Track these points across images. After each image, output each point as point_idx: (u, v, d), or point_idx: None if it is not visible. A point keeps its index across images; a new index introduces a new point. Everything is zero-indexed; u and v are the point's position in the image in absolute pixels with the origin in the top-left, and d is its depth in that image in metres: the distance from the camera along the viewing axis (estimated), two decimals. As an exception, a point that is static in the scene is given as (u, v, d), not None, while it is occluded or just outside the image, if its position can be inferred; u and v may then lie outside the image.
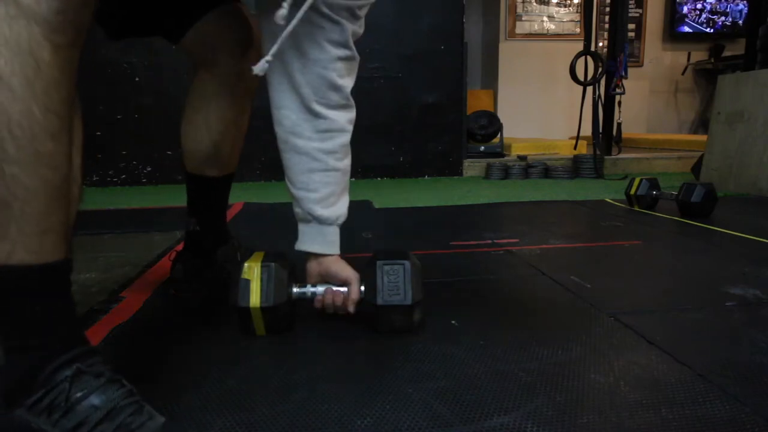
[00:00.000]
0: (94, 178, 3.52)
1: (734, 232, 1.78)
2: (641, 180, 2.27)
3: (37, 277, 0.61)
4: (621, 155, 4.01)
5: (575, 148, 4.16)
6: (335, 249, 1.00)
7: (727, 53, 5.98)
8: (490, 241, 1.71)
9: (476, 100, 5.33)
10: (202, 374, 0.82)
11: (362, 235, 1.82)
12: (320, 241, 0.99)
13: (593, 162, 3.60)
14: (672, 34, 6.08)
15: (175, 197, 2.96)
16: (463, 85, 3.79)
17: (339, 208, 0.99)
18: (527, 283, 1.28)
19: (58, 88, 0.58)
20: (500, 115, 4.52)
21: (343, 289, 0.97)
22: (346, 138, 0.98)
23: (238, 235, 1.33)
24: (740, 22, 6.01)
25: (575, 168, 3.64)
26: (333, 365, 0.86)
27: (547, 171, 3.64)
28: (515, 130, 5.35)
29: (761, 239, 1.68)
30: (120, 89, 3.45)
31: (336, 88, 0.93)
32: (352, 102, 0.98)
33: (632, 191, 2.29)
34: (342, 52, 0.92)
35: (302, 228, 1.00)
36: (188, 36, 1.03)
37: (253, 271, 0.92)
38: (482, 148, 4.09)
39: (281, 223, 2.14)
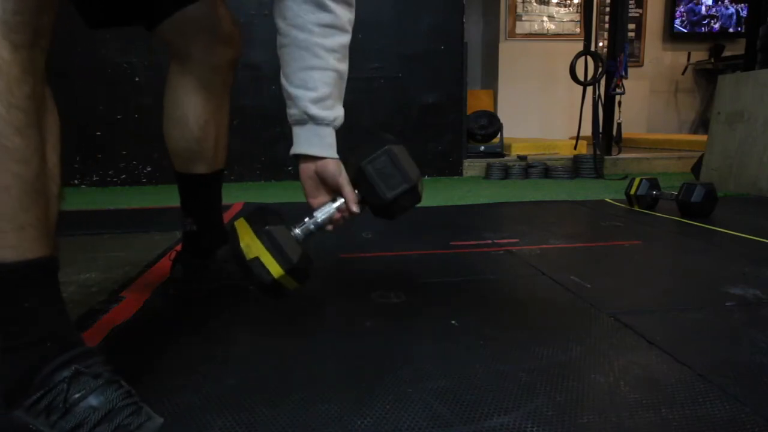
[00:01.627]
0: (94, 178, 3.52)
1: (734, 232, 1.78)
2: (641, 180, 2.27)
3: (20, 274, 0.61)
4: (621, 155, 4.01)
5: (575, 148, 4.16)
6: (332, 152, 0.95)
7: (727, 53, 5.98)
8: (490, 241, 1.71)
9: (476, 100, 5.33)
10: (202, 374, 0.82)
11: (362, 235, 1.82)
12: (317, 143, 0.93)
13: (593, 162, 3.60)
14: (672, 34, 6.08)
15: (175, 197, 2.94)
16: (463, 85, 3.79)
17: (336, 111, 0.94)
18: (527, 283, 1.28)
19: (20, 85, 0.59)
20: (500, 115, 4.52)
21: (339, 201, 0.93)
22: (347, 39, 0.94)
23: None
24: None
25: (575, 168, 3.64)
26: (333, 365, 0.86)
27: (547, 171, 3.64)
28: (515, 130, 5.34)
29: (761, 239, 1.68)
30: (120, 89, 3.45)
31: None
32: (354, 1, 0.94)
33: (632, 191, 2.29)
34: None
35: (297, 131, 0.94)
36: (164, 25, 1.03)
37: (254, 246, 0.86)
38: (482, 148, 4.09)
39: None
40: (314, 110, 0.91)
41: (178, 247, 1.24)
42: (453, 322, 1.02)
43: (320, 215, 0.93)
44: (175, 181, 1.17)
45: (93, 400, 0.60)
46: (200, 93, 1.08)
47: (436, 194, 2.91)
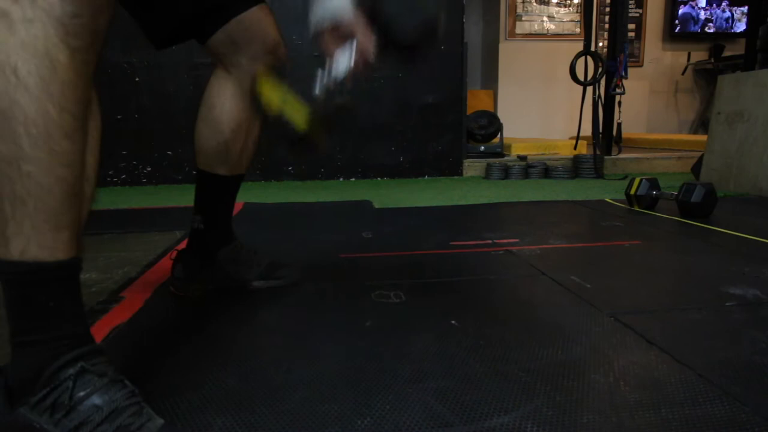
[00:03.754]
0: (94, 178, 3.51)
1: (734, 232, 1.78)
2: (641, 180, 2.27)
3: (50, 274, 0.62)
4: (621, 155, 4.01)
5: (575, 148, 4.16)
6: None
7: (727, 53, 5.98)
8: (490, 241, 1.71)
9: (476, 100, 5.33)
10: (202, 374, 0.82)
11: (362, 235, 1.83)
12: None
13: (593, 162, 3.60)
14: (672, 34, 6.08)
15: (175, 197, 2.95)
16: (463, 85, 3.79)
17: None
18: (527, 283, 1.28)
19: (73, 89, 0.60)
20: (500, 115, 4.52)
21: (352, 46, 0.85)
22: None
23: (239, 235, 1.33)
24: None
25: (575, 168, 3.64)
26: (333, 365, 0.86)
27: (547, 171, 3.64)
28: (515, 130, 5.35)
29: (761, 239, 1.68)
30: (120, 89, 3.45)
31: None
32: None
33: (632, 191, 2.29)
34: None
35: None
36: (218, 34, 1.05)
37: (277, 96, 0.79)
38: (482, 148, 4.09)
39: (281, 223, 2.14)
40: None
41: (179, 247, 1.24)
42: (453, 322, 1.02)
43: (336, 66, 0.85)
44: (195, 177, 1.18)
45: (97, 399, 0.60)
46: (238, 98, 1.10)
47: (436, 194, 2.91)
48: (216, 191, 1.19)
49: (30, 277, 0.61)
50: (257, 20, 1.06)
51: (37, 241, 0.60)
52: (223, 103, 1.11)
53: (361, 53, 0.85)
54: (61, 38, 0.58)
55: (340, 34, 0.86)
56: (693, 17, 6.03)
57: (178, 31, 1.05)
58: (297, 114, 0.80)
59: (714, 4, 6.04)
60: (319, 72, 0.85)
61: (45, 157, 0.59)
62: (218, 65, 1.11)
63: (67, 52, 0.59)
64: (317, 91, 0.84)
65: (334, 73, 0.85)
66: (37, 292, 0.61)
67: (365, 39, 0.84)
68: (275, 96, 0.81)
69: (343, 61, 0.85)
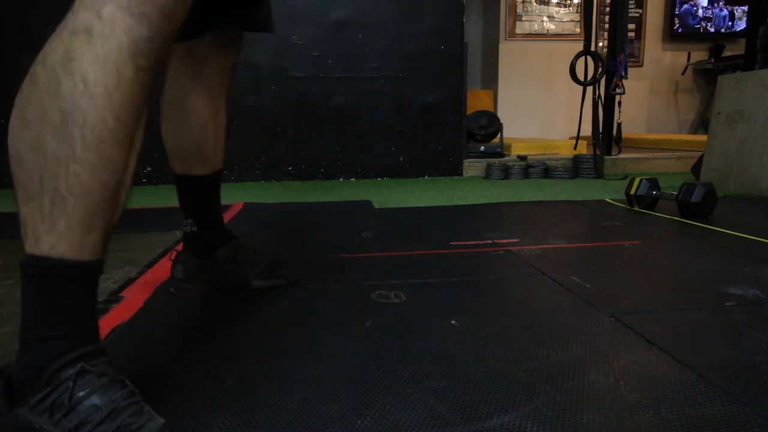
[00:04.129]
0: (94, 178, 3.51)
1: (734, 232, 1.78)
2: (641, 180, 2.27)
3: (74, 273, 0.63)
4: (621, 155, 4.01)
5: (575, 148, 4.16)
6: None
7: (727, 53, 5.98)
8: (490, 241, 1.71)
9: (476, 100, 5.33)
10: (202, 374, 0.82)
11: (362, 235, 1.83)
12: None
13: (593, 162, 3.60)
14: (672, 34, 6.08)
15: (175, 197, 2.95)
16: (463, 85, 3.79)
17: None
18: (527, 283, 1.28)
19: (131, 102, 0.64)
20: (500, 115, 4.52)
21: None
22: None
23: (239, 235, 1.33)
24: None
25: (575, 168, 3.64)
26: (333, 365, 0.86)
27: (547, 171, 3.64)
28: (515, 130, 5.35)
29: (761, 239, 1.68)
30: (120, 89, 3.45)
31: None
32: None
33: (632, 191, 2.29)
34: None
35: None
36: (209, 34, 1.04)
37: None
38: (482, 148, 4.09)
39: (281, 223, 2.14)
40: None
41: (179, 247, 1.24)
42: (453, 322, 1.02)
43: None
44: (175, 182, 1.17)
45: (96, 399, 0.60)
46: (202, 93, 1.08)
47: (436, 194, 2.91)
48: (199, 192, 1.17)
49: (54, 272, 0.62)
50: (236, 39, 1.08)
51: (68, 240, 0.62)
52: (189, 101, 1.08)
53: None
54: (132, 57, 0.62)
55: None
56: (692, 14, 6.03)
57: (203, 19, 1.02)
58: None
59: (714, 3, 6.04)
60: None
61: (94, 160, 0.61)
62: (179, 58, 1.07)
63: (134, 70, 0.63)
64: None
65: None
66: (56, 288, 0.63)
67: None
68: None
69: None
